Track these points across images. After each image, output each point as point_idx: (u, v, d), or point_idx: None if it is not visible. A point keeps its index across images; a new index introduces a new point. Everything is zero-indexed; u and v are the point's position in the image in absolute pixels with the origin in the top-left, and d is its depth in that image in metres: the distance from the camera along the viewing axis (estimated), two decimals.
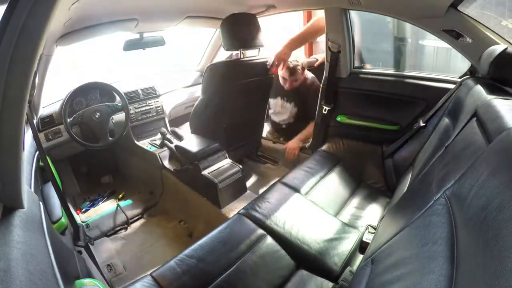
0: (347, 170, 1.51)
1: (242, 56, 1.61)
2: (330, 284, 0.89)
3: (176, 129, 2.00)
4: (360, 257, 0.98)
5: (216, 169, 1.53)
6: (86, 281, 0.60)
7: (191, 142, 1.60)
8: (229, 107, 1.63)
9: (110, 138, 1.65)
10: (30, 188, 0.88)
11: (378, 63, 1.97)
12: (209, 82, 1.54)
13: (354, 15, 1.65)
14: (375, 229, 1.05)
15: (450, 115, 1.08)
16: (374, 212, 1.26)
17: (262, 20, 1.65)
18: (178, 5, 1.55)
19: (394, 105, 1.60)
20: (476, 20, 1.24)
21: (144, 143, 1.87)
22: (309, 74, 1.94)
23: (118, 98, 1.72)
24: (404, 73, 1.67)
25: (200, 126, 1.71)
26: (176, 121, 2.27)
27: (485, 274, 0.34)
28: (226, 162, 1.59)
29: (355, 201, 1.34)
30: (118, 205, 1.73)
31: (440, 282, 0.43)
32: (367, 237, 1.02)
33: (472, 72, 1.36)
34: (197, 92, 2.21)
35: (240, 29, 1.49)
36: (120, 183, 2.03)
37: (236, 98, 1.62)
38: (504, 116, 0.60)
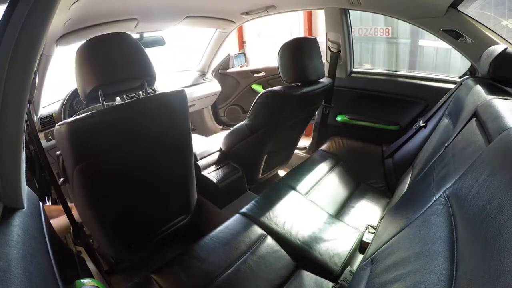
0: (347, 170, 1.51)
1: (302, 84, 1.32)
2: (330, 284, 0.89)
3: None
4: (360, 257, 0.98)
5: (216, 169, 1.53)
6: (86, 281, 0.60)
7: None
8: (276, 136, 1.45)
9: None
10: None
11: None
12: (262, 110, 1.33)
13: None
14: (375, 229, 1.05)
15: (450, 115, 1.08)
16: (374, 212, 1.26)
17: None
18: (178, 5, 1.55)
19: (394, 105, 1.60)
20: (476, 20, 1.25)
21: None
22: None
23: (118, 98, 1.72)
24: (404, 73, 1.67)
25: (238, 149, 1.52)
26: None
27: (485, 273, 0.34)
28: (226, 162, 1.59)
29: (355, 201, 1.33)
30: None
31: (440, 282, 0.43)
32: (367, 237, 1.02)
33: (472, 72, 1.36)
34: (197, 92, 2.21)
35: (302, 58, 1.27)
36: None
37: (286, 128, 1.46)
38: (504, 116, 0.60)
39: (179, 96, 0.96)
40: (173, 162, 1.06)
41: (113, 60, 0.83)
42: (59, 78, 1.99)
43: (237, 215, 1.12)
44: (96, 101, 0.85)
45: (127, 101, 0.91)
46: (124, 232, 1.04)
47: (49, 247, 0.53)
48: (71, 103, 1.62)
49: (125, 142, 0.88)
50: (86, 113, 0.79)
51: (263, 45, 3.43)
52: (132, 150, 0.91)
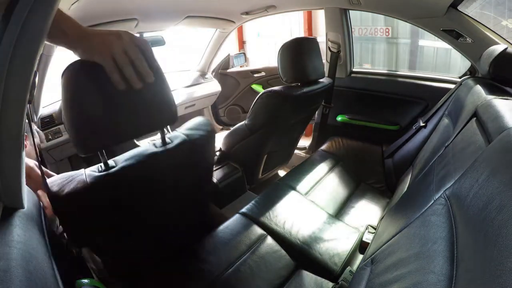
0: (347, 170, 1.51)
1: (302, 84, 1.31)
2: (330, 284, 0.89)
3: None
4: (360, 257, 0.98)
5: (216, 169, 1.53)
6: (86, 281, 0.60)
7: None
8: (276, 137, 1.46)
9: None
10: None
11: None
12: (261, 110, 1.33)
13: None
14: (375, 229, 1.05)
15: (450, 115, 1.08)
16: (374, 212, 1.26)
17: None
18: (178, 5, 1.55)
19: (394, 105, 1.60)
20: (476, 20, 1.25)
21: (144, 143, 1.86)
22: None
23: None
24: (404, 73, 1.67)
25: (238, 149, 1.51)
26: None
27: (485, 273, 0.34)
28: (226, 162, 1.59)
29: (355, 201, 1.33)
30: None
31: (440, 282, 0.43)
32: (367, 237, 1.02)
33: (472, 72, 1.36)
34: (197, 92, 2.21)
35: (302, 58, 1.27)
36: None
37: (286, 128, 1.48)
38: (504, 116, 0.60)
39: (207, 138, 0.77)
40: (192, 200, 0.93)
41: (120, 107, 0.58)
42: (59, 78, 1.99)
43: (237, 215, 1.12)
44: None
45: (141, 159, 0.65)
46: (130, 267, 0.91)
47: (49, 247, 0.53)
48: None
49: (141, 199, 0.72)
50: (84, 182, 0.58)
51: (263, 45, 3.43)
52: (148, 202, 0.76)
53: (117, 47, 0.56)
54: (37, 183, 0.63)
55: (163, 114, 0.64)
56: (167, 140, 0.70)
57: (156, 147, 0.68)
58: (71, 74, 0.55)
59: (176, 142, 0.70)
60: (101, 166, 0.62)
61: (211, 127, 0.78)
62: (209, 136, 0.77)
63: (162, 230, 0.89)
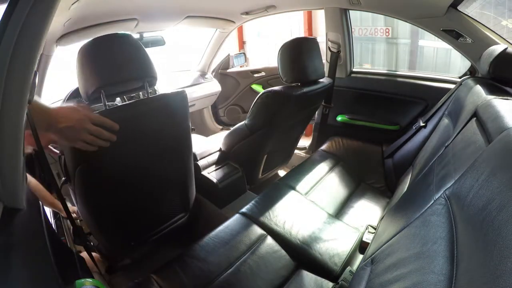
0: (347, 170, 1.51)
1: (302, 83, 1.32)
2: (330, 284, 0.89)
3: None
4: (360, 257, 0.98)
5: (216, 169, 1.53)
6: (86, 281, 0.60)
7: None
8: (276, 137, 1.46)
9: None
10: None
11: None
12: (261, 110, 1.33)
13: None
14: (375, 229, 1.05)
15: (450, 115, 1.08)
16: (374, 212, 1.26)
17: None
18: (178, 5, 1.55)
19: (394, 105, 1.60)
20: (476, 20, 1.25)
21: None
22: None
23: (118, 98, 1.71)
24: (404, 73, 1.67)
25: (238, 149, 1.52)
26: None
27: (485, 273, 0.34)
28: (226, 162, 1.59)
29: (355, 201, 1.33)
30: None
31: (440, 282, 0.43)
32: (367, 237, 1.02)
33: (472, 72, 1.36)
34: (197, 92, 2.21)
35: (302, 58, 1.28)
36: None
37: (286, 128, 1.48)
38: (504, 116, 0.60)
39: (180, 96, 0.97)
40: (173, 161, 1.07)
41: (115, 61, 0.84)
42: (59, 78, 1.99)
43: (237, 215, 1.11)
44: (98, 102, 0.85)
45: (128, 102, 0.91)
46: (124, 230, 1.05)
47: (49, 247, 0.53)
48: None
49: (127, 143, 0.88)
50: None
51: (263, 45, 3.43)
52: (133, 150, 0.91)
53: (83, 132, 0.71)
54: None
55: (144, 69, 0.88)
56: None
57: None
58: (85, 49, 0.81)
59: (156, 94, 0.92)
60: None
61: (184, 91, 0.98)
62: (183, 94, 0.97)
63: (152, 192, 1.07)
